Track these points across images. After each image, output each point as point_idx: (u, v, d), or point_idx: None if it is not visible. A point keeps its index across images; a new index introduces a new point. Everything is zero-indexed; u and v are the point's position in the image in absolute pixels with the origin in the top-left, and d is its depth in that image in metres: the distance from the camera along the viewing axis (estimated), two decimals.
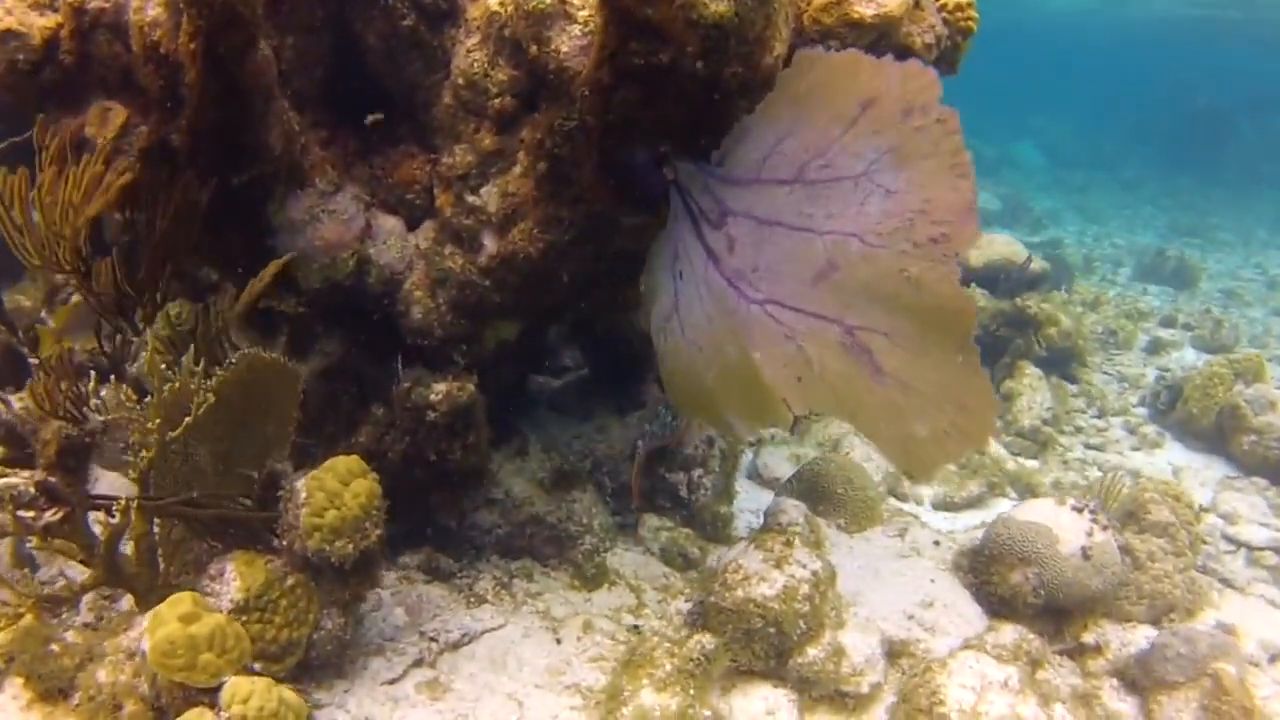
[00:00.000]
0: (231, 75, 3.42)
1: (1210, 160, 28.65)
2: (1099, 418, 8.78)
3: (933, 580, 5.12)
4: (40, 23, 3.77)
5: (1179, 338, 11.29)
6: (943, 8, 3.97)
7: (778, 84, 3.32)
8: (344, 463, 3.74)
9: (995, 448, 7.77)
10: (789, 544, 4.51)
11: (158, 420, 3.58)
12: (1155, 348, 10.79)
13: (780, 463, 6.57)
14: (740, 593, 4.33)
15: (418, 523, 4.69)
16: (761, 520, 5.40)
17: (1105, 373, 9.82)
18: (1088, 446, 8.23)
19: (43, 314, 5.89)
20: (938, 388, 3.29)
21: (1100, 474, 7.29)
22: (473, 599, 4.56)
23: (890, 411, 3.35)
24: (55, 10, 3.79)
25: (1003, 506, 6.82)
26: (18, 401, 4.26)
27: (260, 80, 3.53)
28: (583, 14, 3.45)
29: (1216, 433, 8.24)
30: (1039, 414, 8.21)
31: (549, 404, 5.54)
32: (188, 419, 3.62)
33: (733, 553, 4.64)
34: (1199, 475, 7.84)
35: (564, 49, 3.47)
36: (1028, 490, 7.12)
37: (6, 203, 3.56)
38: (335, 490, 3.66)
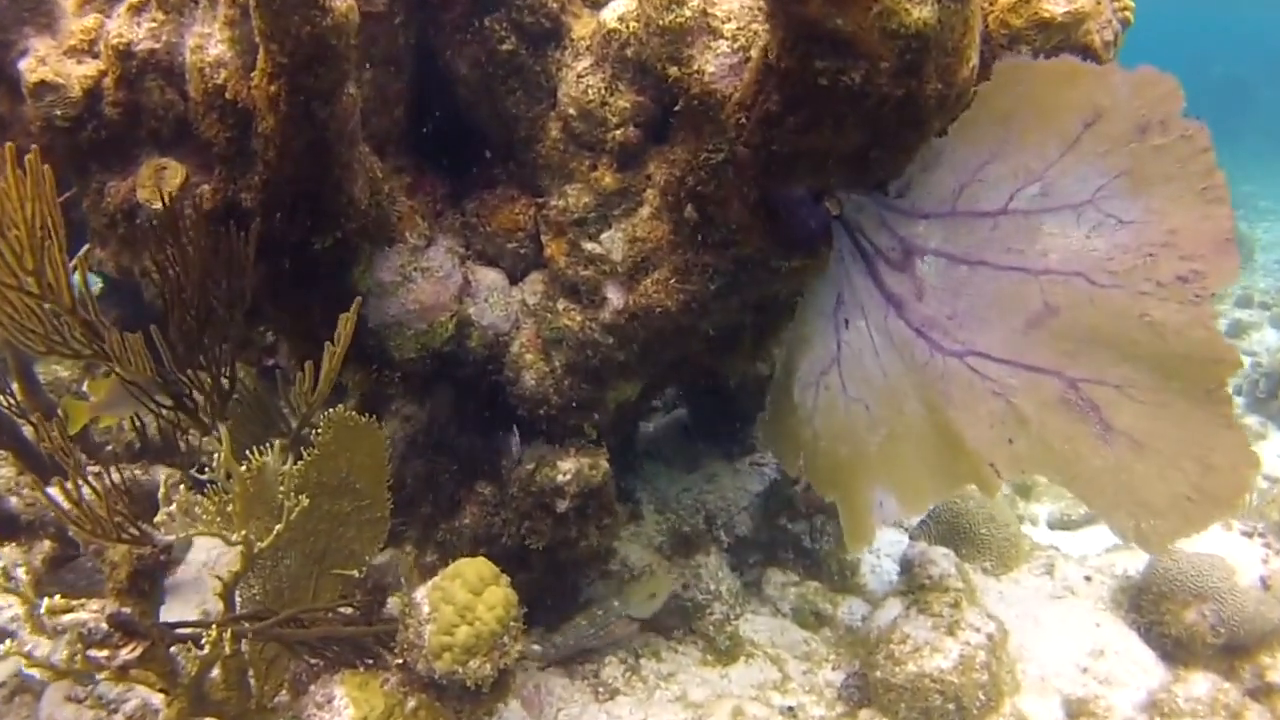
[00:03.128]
0: (318, 121, 2.84)
1: (1232, 129, 28.08)
2: None
3: (1098, 624, 4.53)
4: (79, 71, 3.20)
5: (1258, 318, 10.68)
6: None
7: (976, 100, 2.75)
8: (473, 568, 3.16)
9: None
10: (957, 605, 3.95)
11: (244, 533, 3.03)
12: (1236, 331, 10.18)
13: None
14: (913, 667, 3.77)
15: (526, 600, 4.12)
16: (893, 565, 4.89)
17: None
18: None
19: (83, 386, 5.32)
20: (1178, 445, 2.73)
21: None
22: (602, 690, 3.97)
23: (1119, 474, 2.80)
24: (96, 56, 3.22)
25: None
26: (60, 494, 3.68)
27: (346, 125, 2.95)
28: (730, 27, 2.87)
29: None
30: None
31: (649, 452, 4.96)
32: (278, 527, 3.07)
33: (889, 615, 4.08)
34: None
35: (710, 69, 2.88)
36: None
37: None
38: (466, 603, 3.08)
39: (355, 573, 3.46)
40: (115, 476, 3.36)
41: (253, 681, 3.31)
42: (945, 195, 2.84)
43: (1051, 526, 6.29)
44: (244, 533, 3.02)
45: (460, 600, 3.08)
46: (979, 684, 3.76)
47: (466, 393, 3.75)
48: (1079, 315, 2.72)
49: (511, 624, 3.14)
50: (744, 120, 2.77)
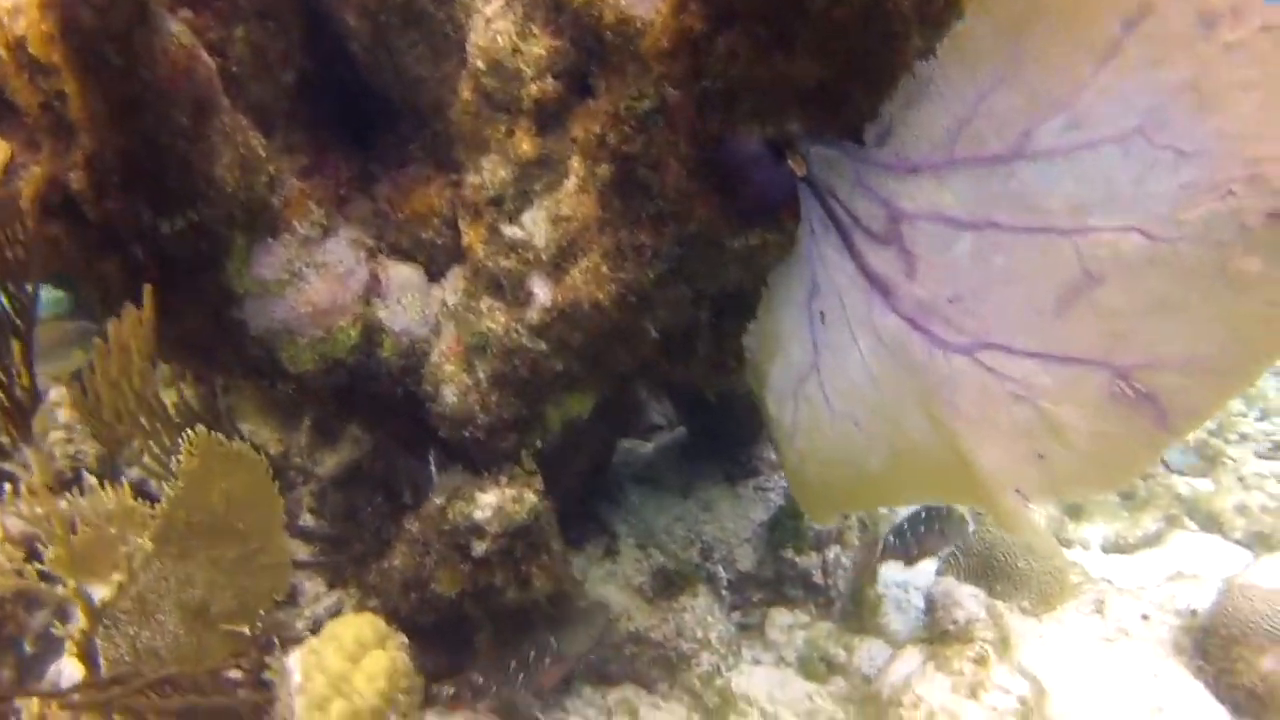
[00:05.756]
0: (117, 71, 2.14)
1: None
2: (1263, 420, 7.26)
3: (1156, 674, 3.69)
4: None
5: None
6: None
7: (971, 8, 1.98)
8: (352, 628, 2.45)
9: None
10: (982, 661, 3.17)
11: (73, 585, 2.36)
12: None
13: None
14: None
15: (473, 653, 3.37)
16: (917, 603, 4.10)
17: None
18: (1259, 456, 6.71)
19: None
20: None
21: None
22: None
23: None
24: None
25: (1184, 542, 5.43)
26: None
27: (177, 82, 2.25)
28: None
29: None
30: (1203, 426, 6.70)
31: (639, 476, 4.21)
32: (117, 576, 2.40)
33: (903, 669, 3.30)
34: None
35: None
36: (1210, 519, 5.66)
37: None
38: (341, 671, 2.37)
39: (247, 629, 2.77)
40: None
41: None
42: (938, 138, 2.05)
43: (1106, 550, 5.45)
44: (73, 585, 2.36)
45: (334, 669, 2.37)
46: None
47: (386, 409, 3.03)
48: (1134, 282, 1.90)
49: (400, 697, 2.42)
50: (667, 50, 2.04)
